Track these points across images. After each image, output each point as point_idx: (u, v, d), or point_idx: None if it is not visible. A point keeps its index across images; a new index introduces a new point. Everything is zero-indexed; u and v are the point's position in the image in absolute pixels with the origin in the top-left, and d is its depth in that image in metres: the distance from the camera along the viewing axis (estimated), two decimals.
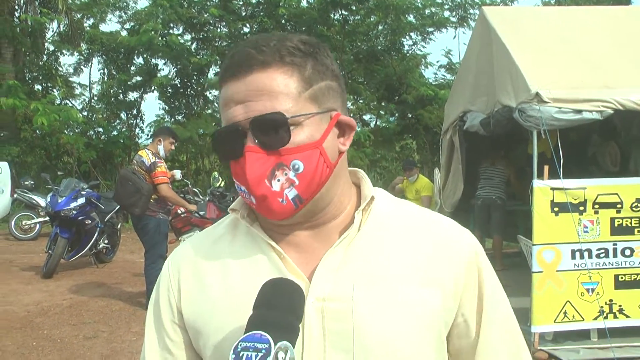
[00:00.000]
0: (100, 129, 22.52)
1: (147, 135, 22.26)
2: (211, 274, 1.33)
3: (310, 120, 1.22)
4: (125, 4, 23.75)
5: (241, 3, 22.37)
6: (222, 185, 12.27)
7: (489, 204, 9.64)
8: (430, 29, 22.33)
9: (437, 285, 1.27)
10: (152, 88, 22.33)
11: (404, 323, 1.22)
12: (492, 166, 9.76)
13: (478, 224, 9.70)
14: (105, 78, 23.79)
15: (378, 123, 23.96)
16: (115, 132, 22.50)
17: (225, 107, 1.24)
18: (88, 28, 23.53)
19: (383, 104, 22.56)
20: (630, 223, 6.35)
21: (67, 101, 23.18)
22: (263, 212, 1.26)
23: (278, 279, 1.15)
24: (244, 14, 22.40)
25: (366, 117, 24.54)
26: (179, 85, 22.71)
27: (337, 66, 1.32)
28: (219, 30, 22.67)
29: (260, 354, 1.00)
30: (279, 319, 1.06)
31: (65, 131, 20.67)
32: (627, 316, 6.37)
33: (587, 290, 6.30)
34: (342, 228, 1.31)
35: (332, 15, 22.07)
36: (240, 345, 1.02)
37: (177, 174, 9.11)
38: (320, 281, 1.24)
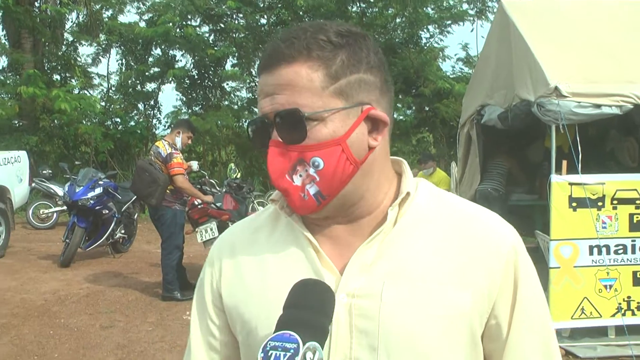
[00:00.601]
0: (118, 120, 22.61)
1: (164, 126, 22.31)
2: (248, 264, 1.35)
3: (334, 115, 1.20)
4: None
5: None
6: (238, 176, 12.26)
7: (486, 196, 9.58)
8: (448, 22, 22.20)
9: (470, 286, 1.24)
10: (170, 79, 22.37)
11: (431, 324, 1.21)
12: (492, 160, 9.69)
13: None
14: (123, 69, 23.84)
15: (395, 116, 23.86)
16: (132, 123, 22.56)
17: (259, 97, 1.26)
18: (106, 19, 23.58)
19: (400, 96, 22.47)
20: None
21: (85, 91, 23.26)
22: (290, 205, 1.27)
23: (309, 279, 1.15)
24: (261, 5, 22.36)
25: None
26: (196, 77, 22.73)
27: (377, 58, 1.28)
28: (236, 22, 22.64)
29: (288, 354, 1.00)
30: (308, 319, 1.06)
31: (83, 121, 20.80)
32: None
33: (605, 286, 6.26)
34: (377, 222, 1.29)
35: (350, 8, 22.00)
36: (269, 344, 1.02)
37: (194, 165, 9.13)
38: (350, 277, 1.23)
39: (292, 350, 1.00)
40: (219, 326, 1.39)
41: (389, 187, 1.33)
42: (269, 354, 1.00)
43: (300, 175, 1.21)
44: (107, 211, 10.81)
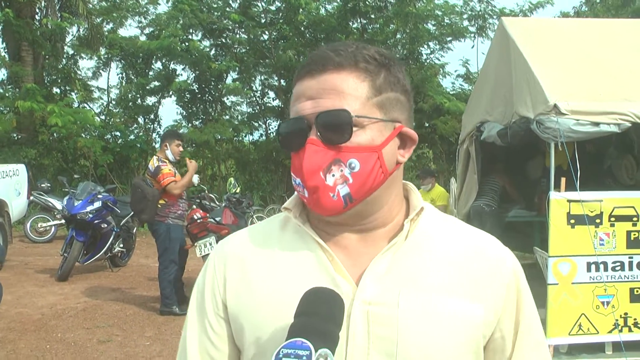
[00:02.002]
0: (118, 133, 22.60)
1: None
2: (258, 270, 1.35)
3: (374, 125, 1.26)
4: (145, 9, 23.88)
5: (261, 10, 22.42)
6: (238, 191, 12.28)
7: (479, 212, 9.60)
8: (449, 38, 22.29)
9: (480, 299, 1.30)
10: (170, 93, 22.43)
11: (445, 333, 1.25)
12: (486, 177, 9.71)
13: None
14: (124, 82, 23.91)
15: None
16: (132, 137, 22.57)
17: (296, 101, 1.30)
18: (107, 33, 23.66)
19: None
20: None
21: (85, 105, 23.29)
22: (313, 205, 1.28)
23: (319, 287, 1.17)
24: (263, 20, 22.46)
25: None
26: (196, 91, 22.80)
27: (408, 82, 1.37)
28: (238, 36, 22.74)
29: None
30: (319, 326, 1.08)
31: (83, 135, 20.81)
32: None
33: (603, 303, 6.26)
34: (390, 235, 1.34)
35: (351, 24, 22.10)
36: (282, 352, 1.03)
37: (195, 179, 9.12)
38: (367, 285, 1.26)
39: (304, 358, 1.02)
40: (221, 336, 1.38)
41: (401, 205, 1.39)
42: None
43: (334, 175, 1.24)
44: (105, 225, 10.81)
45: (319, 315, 1.10)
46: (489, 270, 1.33)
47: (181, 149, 8.58)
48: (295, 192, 1.39)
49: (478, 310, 1.28)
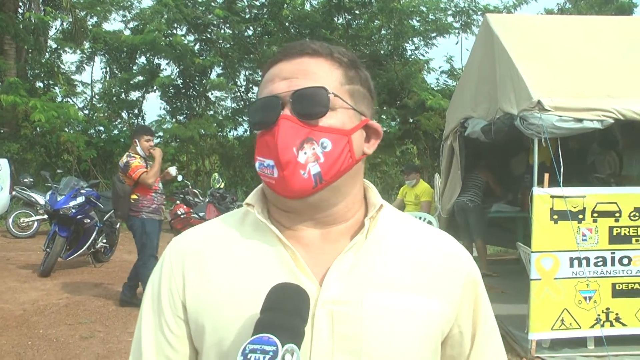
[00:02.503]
0: (101, 128, 22.53)
1: (153, 136, 22.25)
2: (218, 268, 1.32)
3: (345, 110, 1.29)
4: (129, 3, 23.82)
5: (246, 5, 22.38)
6: (222, 186, 12.27)
7: (462, 208, 9.64)
8: (433, 34, 22.35)
9: (439, 295, 1.31)
10: (154, 88, 22.36)
11: (408, 330, 1.25)
12: (470, 173, 9.75)
13: (461, 230, 9.67)
14: (108, 77, 23.83)
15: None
16: (116, 132, 22.50)
17: (269, 82, 1.31)
18: (91, 27, 23.54)
19: (385, 108, 22.58)
20: (629, 232, 6.35)
21: (69, 99, 23.18)
22: (281, 187, 1.26)
23: (285, 283, 1.17)
24: (247, 16, 22.41)
25: None
26: (181, 86, 22.73)
27: (374, 90, 1.42)
28: (222, 31, 22.69)
29: (267, 356, 1.01)
30: (285, 322, 1.08)
31: (66, 129, 20.67)
32: (624, 325, 6.37)
33: (585, 298, 6.30)
34: (351, 233, 1.33)
35: (335, 19, 22.10)
36: (248, 347, 1.03)
37: (173, 170, 8.98)
38: (331, 284, 1.26)
39: (271, 353, 1.01)
40: (179, 337, 1.34)
41: (361, 202, 1.39)
42: (249, 357, 1.02)
43: (306, 153, 1.24)
44: (88, 220, 10.75)
45: (286, 311, 1.10)
46: (446, 266, 1.35)
47: (151, 143, 8.51)
48: (256, 189, 1.40)
49: (437, 306, 1.30)
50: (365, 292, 1.25)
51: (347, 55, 1.35)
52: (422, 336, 1.27)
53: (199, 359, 1.33)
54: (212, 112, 23.47)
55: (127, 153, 8.38)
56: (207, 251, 1.35)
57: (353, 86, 1.32)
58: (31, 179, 16.18)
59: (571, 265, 6.29)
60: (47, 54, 23.55)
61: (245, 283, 1.27)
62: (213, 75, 23.02)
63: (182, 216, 8.90)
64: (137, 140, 8.35)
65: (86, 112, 23.15)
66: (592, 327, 6.31)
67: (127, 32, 22.67)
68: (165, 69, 22.94)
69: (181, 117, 22.75)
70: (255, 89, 23.88)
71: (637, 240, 6.35)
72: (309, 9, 22.16)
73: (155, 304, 1.37)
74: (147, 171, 8.11)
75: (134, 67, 23.32)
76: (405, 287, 1.29)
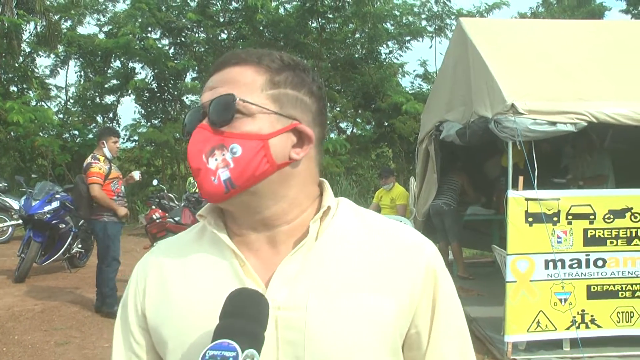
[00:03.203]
0: (76, 132, 22.37)
1: (124, 139, 22.16)
2: (174, 279, 1.35)
3: (264, 115, 1.27)
4: (103, 7, 23.69)
5: (219, 9, 22.33)
6: (197, 190, 12.21)
7: (438, 211, 9.70)
8: (407, 38, 22.45)
9: (393, 295, 1.28)
10: (129, 91, 22.25)
11: (358, 332, 1.23)
12: (445, 176, 9.80)
13: (437, 233, 9.72)
14: (82, 81, 23.67)
15: (354, 131, 23.99)
16: (90, 136, 22.29)
17: (202, 94, 1.34)
18: (65, 30, 23.37)
19: (359, 111, 22.65)
20: (603, 234, 6.41)
21: (43, 103, 23.00)
22: (200, 190, 1.29)
23: (244, 288, 1.17)
24: (222, 20, 22.37)
25: (342, 125, 24.58)
26: (155, 90, 22.66)
27: (319, 90, 1.38)
28: (197, 35, 22.64)
29: None
30: (245, 327, 1.08)
31: (40, 134, 20.51)
32: (599, 326, 6.43)
33: (560, 300, 6.35)
34: (299, 236, 1.33)
35: (309, 23, 22.11)
36: (208, 353, 1.03)
37: (136, 175, 8.87)
38: (275, 290, 1.25)
39: (231, 359, 1.01)
40: (144, 346, 1.39)
41: (310, 204, 1.37)
42: None
43: (216, 159, 1.24)
44: (63, 225, 10.67)
45: (245, 316, 1.10)
46: (403, 262, 1.32)
47: (118, 145, 8.49)
48: None
49: (390, 305, 1.27)
50: (312, 296, 1.24)
51: (281, 60, 1.33)
52: (375, 338, 1.24)
53: None
54: None
55: (92, 154, 8.31)
56: (167, 263, 1.39)
57: (279, 90, 1.30)
58: (5, 184, 16.07)
59: (546, 267, 6.34)
60: (20, 57, 23.34)
61: (197, 294, 1.29)
62: (188, 79, 23.00)
63: (157, 220, 8.84)
64: (104, 142, 8.27)
65: (60, 116, 22.98)
66: (567, 329, 6.35)
67: (101, 36, 22.59)
68: (140, 73, 22.93)
69: (156, 121, 22.68)
70: None
71: (611, 242, 6.41)
72: (283, 14, 22.15)
73: (124, 316, 1.42)
74: (101, 184, 8.00)
75: (109, 71, 23.23)
76: (356, 288, 1.27)
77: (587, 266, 6.40)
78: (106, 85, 22.56)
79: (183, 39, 22.76)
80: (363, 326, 1.24)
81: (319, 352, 1.22)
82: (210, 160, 1.25)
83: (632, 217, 6.39)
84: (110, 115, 23.38)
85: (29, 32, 23.66)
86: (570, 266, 6.37)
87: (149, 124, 22.43)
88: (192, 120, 1.31)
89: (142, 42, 21.12)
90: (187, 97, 23.58)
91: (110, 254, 8.21)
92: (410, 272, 1.31)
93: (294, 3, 22.07)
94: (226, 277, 1.28)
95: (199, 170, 1.25)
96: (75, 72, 23.96)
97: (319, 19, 21.96)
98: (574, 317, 6.33)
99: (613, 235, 6.41)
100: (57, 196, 10.73)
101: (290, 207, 1.33)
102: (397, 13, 21.80)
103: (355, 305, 1.25)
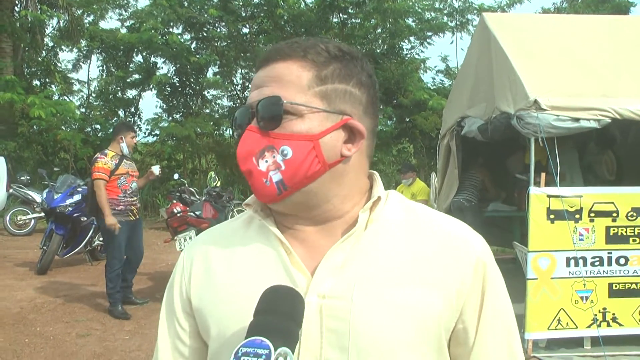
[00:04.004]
0: (98, 126, 22.48)
1: (145, 133, 22.24)
2: (219, 266, 1.36)
3: (314, 114, 1.25)
4: (125, 1, 23.75)
5: (241, 4, 22.35)
6: (218, 185, 12.23)
7: (459, 207, 9.64)
8: (429, 34, 22.35)
9: (440, 289, 1.26)
10: (151, 86, 22.32)
11: (402, 326, 1.22)
12: (467, 172, 9.75)
13: None
14: (104, 75, 23.78)
15: None
16: (112, 130, 22.41)
17: (249, 91, 1.32)
18: (88, 25, 23.50)
19: (381, 107, 22.54)
20: (626, 232, 6.36)
21: (65, 97, 23.13)
22: (254, 191, 1.30)
23: (279, 285, 1.16)
24: (243, 14, 22.39)
25: None
26: (177, 84, 22.69)
27: (369, 80, 1.35)
28: (218, 30, 22.67)
29: None
30: (279, 325, 1.07)
31: (63, 127, 20.65)
32: (621, 325, 6.38)
33: (581, 298, 6.31)
34: (347, 226, 1.32)
35: (330, 18, 22.07)
36: (241, 350, 1.02)
37: (156, 170, 8.68)
38: (321, 278, 1.25)
39: (263, 357, 1.00)
40: (188, 332, 1.40)
41: (360, 198, 1.36)
42: None
43: (267, 161, 1.24)
44: (85, 218, 10.72)
45: (279, 314, 1.09)
46: (453, 256, 1.30)
47: (135, 140, 8.42)
48: None
49: (437, 299, 1.25)
50: (357, 287, 1.23)
51: (327, 52, 1.30)
52: (419, 332, 1.23)
53: (209, 352, 1.36)
54: (208, 111, 23.46)
55: (103, 150, 8.24)
56: (213, 251, 1.39)
57: (327, 86, 1.27)
58: (28, 177, 16.19)
59: (568, 265, 6.30)
60: (43, 52, 23.52)
61: (241, 281, 1.30)
62: (209, 74, 23.02)
63: (178, 214, 8.85)
64: (122, 138, 8.17)
65: (83, 110, 23.11)
66: (588, 327, 6.31)
67: (123, 31, 22.61)
68: (162, 68, 22.96)
69: (177, 116, 22.71)
70: None
71: (634, 240, 6.36)
72: (304, 8, 22.12)
73: (169, 302, 1.44)
74: (106, 180, 7.87)
75: (131, 66, 23.30)
76: (403, 280, 1.25)
77: (609, 264, 6.36)
78: (128, 80, 22.62)
79: (205, 34, 22.77)
80: (407, 320, 1.23)
81: (363, 343, 1.21)
82: (260, 163, 1.25)
83: None
84: (132, 109, 23.47)
85: (52, 27, 23.86)
86: (592, 264, 6.33)
87: (170, 118, 22.48)
88: (242, 119, 1.30)
89: (165, 37, 21.17)
90: (208, 92, 23.64)
91: (110, 252, 8.10)
92: (459, 267, 1.30)
93: None
94: (271, 265, 1.29)
95: (250, 172, 1.26)
96: (98, 67, 24.31)
97: (340, 14, 21.91)
98: (595, 315, 6.29)
99: (636, 233, 6.36)
100: (79, 189, 10.82)
101: (343, 203, 1.33)
102: (419, 9, 21.70)
103: (401, 299, 1.24)
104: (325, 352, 1.22)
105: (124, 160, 8.14)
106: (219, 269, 1.35)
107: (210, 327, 1.31)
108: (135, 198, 8.27)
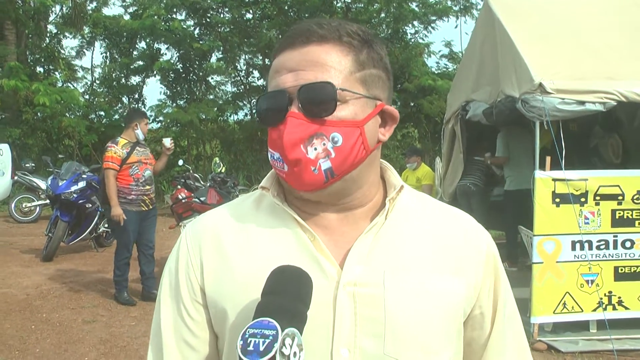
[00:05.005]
0: (102, 113, 22.52)
1: (149, 119, 22.21)
2: (236, 252, 1.31)
3: (356, 100, 1.24)
4: None
5: None
6: (223, 171, 12.26)
7: (465, 192, 9.64)
8: (433, 18, 22.27)
9: (462, 275, 1.30)
10: (154, 72, 22.30)
11: (431, 311, 1.25)
12: (471, 156, 9.73)
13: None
14: (108, 62, 23.77)
15: None
16: (116, 116, 22.44)
17: (277, 73, 1.26)
18: (91, 11, 23.45)
19: None
20: (631, 215, 6.34)
21: (69, 84, 23.14)
22: (293, 181, 1.26)
23: (286, 266, 1.14)
24: (247, 0, 22.32)
25: None
26: (181, 70, 22.67)
27: (388, 62, 1.35)
28: (222, 16, 22.60)
29: (267, 340, 1.00)
30: (286, 305, 1.07)
31: (67, 114, 20.65)
32: (627, 308, 6.38)
33: (587, 281, 6.30)
34: (370, 215, 1.32)
35: (334, 3, 22.00)
36: (248, 331, 1.02)
37: (167, 142, 8.57)
38: (352, 266, 1.24)
39: (271, 337, 1.00)
40: (199, 322, 1.33)
41: (379, 184, 1.37)
42: (248, 341, 1.00)
43: (316, 149, 1.21)
44: (90, 205, 10.75)
45: (286, 294, 1.08)
46: (468, 246, 1.34)
47: (148, 126, 8.36)
48: (270, 172, 1.37)
49: (459, 286, 1.29)
50: (387, 274, 1.24)
51: (357, 35, 1.28)
52: (446, 317, 1.26)
53: (219, 343, 1.33)
54: (212, 97, 23.44)
55: (115, 138, 8.10)
56: (225, 234, 1.34)
57: (365, 71, 1.26)
58: (33, 164, 16.21)
59: (573, 248, 6.29)
60: (47, 39, 23.47)
61: (265, 266, 1.21)
62: (213, 60, 23.00)
63: (183, 201, 8.85)
64: (137, 124, 8.03)
65: (87, 97, 23.11)
66: (594, 310, 6.32)
67: (126, 17, 22.57)
68: (165, 54, 22.91)
69: (181, 102, 22.70)
70: (256, 73, 23.83)
71: (639, 223, 6.34)
72: None
73: (174, 289, 1.36)
74: (116, 170, 7.75)
75: (134, 52, 23.28)
76: (427, 267, 1.27)
77: (615, 247, 6.35)
78: (132, 66, 22.62)
79: (208, 20, 22.72)
80: (436, 306, 1.25)
81: (398, 329, 1.22)
82: (309, 150, 1.21)
83: None
84: (136, 96, 23.46)
85: (55, 14, 23.80)
86: (598, 247, 6.32)
87: (174, 104, 22.47)
88: (276, 107, 1.24)
89: (168, 24, 21.12)
90: (212, 78, 23.62)
91: (119, 240, 8.06)
92: (475, 254, 1.35)
93: None
94: (295, 252, 1.26)
95: (298, 161, 1.21)
96: (101, 53, 24.05)
97: None
98: (601, 298, 6.29)
99: None
100: (84, 176, 10.82)
101: (370, 189, 1.33)
102: None
103: (429, 285, 1.26)
104: (359, 340, 1.21)
105: (137, 147, 8.00)
106: (237, 257, 1.31)
107: (229, 317, 1.27)
108: (148, 187, 8.09)
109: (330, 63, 1.22)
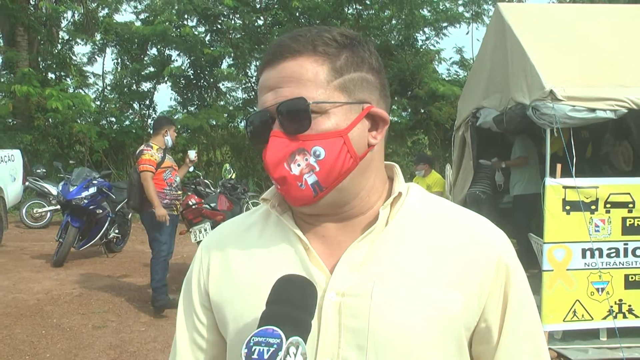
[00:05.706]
0: (113, 119, 22.58)
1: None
2: (238, 261, 1.35)
3: (337, 109, 1.22)
4: None
5: None
6: (233, 177, 12.27)
7: (475, 199, 9.61)
8: (444, 24, 22.27)
9: (461, 288, 1.24)
10: (165, 79, 22.37)
11: (421, 324, 1.21)
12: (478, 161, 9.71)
13: None
14: (119, 68, 23.85)
15: (390, 118, 23.79)
16: (127, 122, 22.55)
17: (260, 93, 1.27)
18: (102, 18, 23.56)
19: (395, 98, 22.52)
20: None
21: (80, 90, 23.22)
22: (286, 197, 1.27)
23: (291, 275, 1.15)
24: (258, 6, 22.38)
25: None
26: (191, 77, 22.75)
27: (377, 62, 1.32)
28: (233, 22, 22.68)
29: (272, 349, 1.00)
30: (291, 314, 1.07)
31: (78, 120, 20.75)
32: (637, 316, 6.35)
33: (597, 289, 6.27)
34: (367, 223, 1.30)
35: (346, 9, 22.03)
36: (253, 339, 1.02)
37: (192, 154, 8.54)
38: (340, 276, 1.24)
39: (275, 346, 1.00)
40: (207, 325, 1.39)
41: (383, 189, 1.35)
42: (253, 350, 1.01)
43: (299, 165, 1.21)
44: (101, 211, 10.79)
45: (291, 303, 1.09)
46: (474, 254, 1.28)
47: (175, 133, 8.38)
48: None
49: (458, 298, 1.23)
50: (377, 285, 1.22)
51: (334, 42, 1.26)
52: (439, 331, 1.21)
53: (227, 346, 1.36)
54: (223, 103, 23.49)
55: (145, 142, 8.15)
56: (230, 244, 1.39)
57: (344, 77, 1.24)
58: (44, 170, 16.28)
59: (584, 256, 6.27)
60: (59, 45, 23.58)
61: (259, 275, 1.28)
62: (224, 66, 23.04)
63: (193, 207, 8.86)
64: (167, 131, 8.05)
65: (98, 103, 23.20)
66: (604, 318, 6.29)
67: (138, 24, 22.66)
68: (176, 60, 22.98)
69: (192, 108, 22.78)
70: None
71: None
72: (319, 0, 22.09)
73: (187, 295, 1.43)
74: (153, 172, 7.73)
75: (145, 58, 23.35)
76: (423, 279, 1.23)
77: (625, 255, 6.33)
78: (143, 73, 22.68)
79: (219, 26, 22.79)
80: (427, 319, 1.21)
81: (381, 342, 1.20)
82: (292, 167, 1.21)
83: None
84: (147, 102, 23.53)
85: (67, 20, 23.91)
86: (608, 255, 6.29)
87: (185, 110, 22.55)
88: (261, 124, 1.26)
89: (179, 30, 21.20)
90: (223, 84, 23.67)
91: (156, 245, 7.96)
92: (481, 265, 1.28)
93: None
94: (289, 262, 1.27)
95: (284, 179, 1.22)
96: (112, 60, 24.23)
97: (355, 5, 21.86)
98: (611, 306, 6.26)
99: None
100: (95, 182, 10.87)
101: (368, 196, 1.31)
102: (435, 0, 21.60)
103: (421, 297, 1.22)
104: (343, 351, 1.21)
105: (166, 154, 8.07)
106: (238, 264, 1.34)
107: (228, 322, 1.31)
108: (179, 192, 8.20)
109: (306, 76, 1.22)
